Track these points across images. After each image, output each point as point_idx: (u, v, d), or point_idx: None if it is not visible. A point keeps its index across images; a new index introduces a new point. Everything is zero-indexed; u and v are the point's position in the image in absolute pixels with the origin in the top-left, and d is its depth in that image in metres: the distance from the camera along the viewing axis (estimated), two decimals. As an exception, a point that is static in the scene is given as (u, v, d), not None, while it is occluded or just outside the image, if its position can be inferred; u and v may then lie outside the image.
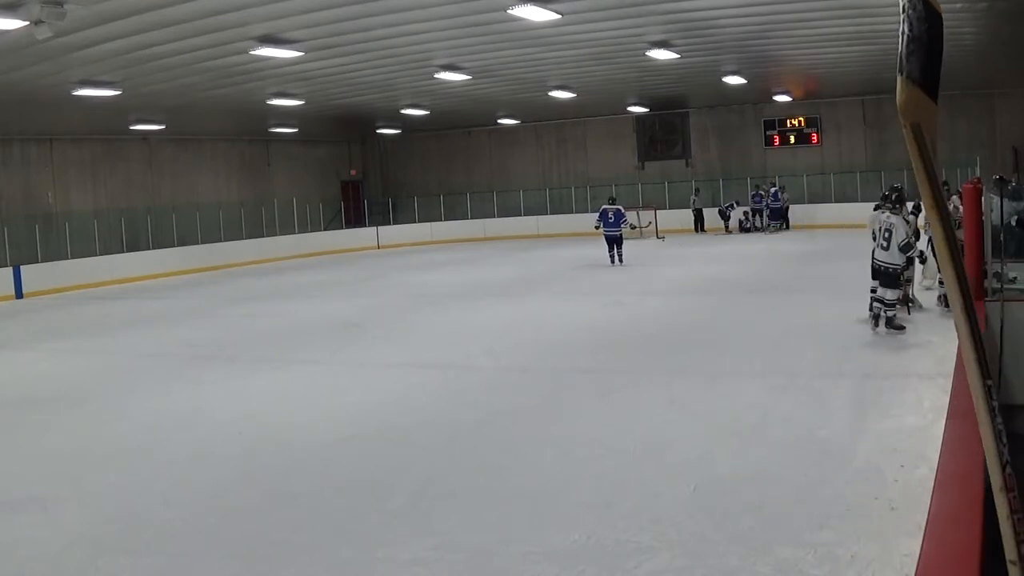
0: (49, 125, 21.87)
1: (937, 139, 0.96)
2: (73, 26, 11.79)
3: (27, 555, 4.96)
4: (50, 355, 11.98)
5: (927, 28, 0.94)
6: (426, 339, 11.58)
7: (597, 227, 20.00)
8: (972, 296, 0.99)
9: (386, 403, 8.09)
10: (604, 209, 20.09)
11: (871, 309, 10.64)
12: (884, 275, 9.95)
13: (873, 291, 10.80)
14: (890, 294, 9.94)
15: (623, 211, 20.32)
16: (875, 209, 11.18)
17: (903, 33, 0.96)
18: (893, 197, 10.44)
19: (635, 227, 23.31)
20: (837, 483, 5.31)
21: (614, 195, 22.64)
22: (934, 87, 0.95)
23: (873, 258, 10.19)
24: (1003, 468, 1.02)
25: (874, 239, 10.50)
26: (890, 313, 9.94)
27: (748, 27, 16.35)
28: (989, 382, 1.00)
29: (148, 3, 11.73)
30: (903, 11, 0.95)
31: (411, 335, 11.97)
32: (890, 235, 9.86)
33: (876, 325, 10.24)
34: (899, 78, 0.94)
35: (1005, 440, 1.02)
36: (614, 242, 19.75)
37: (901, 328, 9.87)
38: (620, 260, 19.69)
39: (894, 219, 9.95)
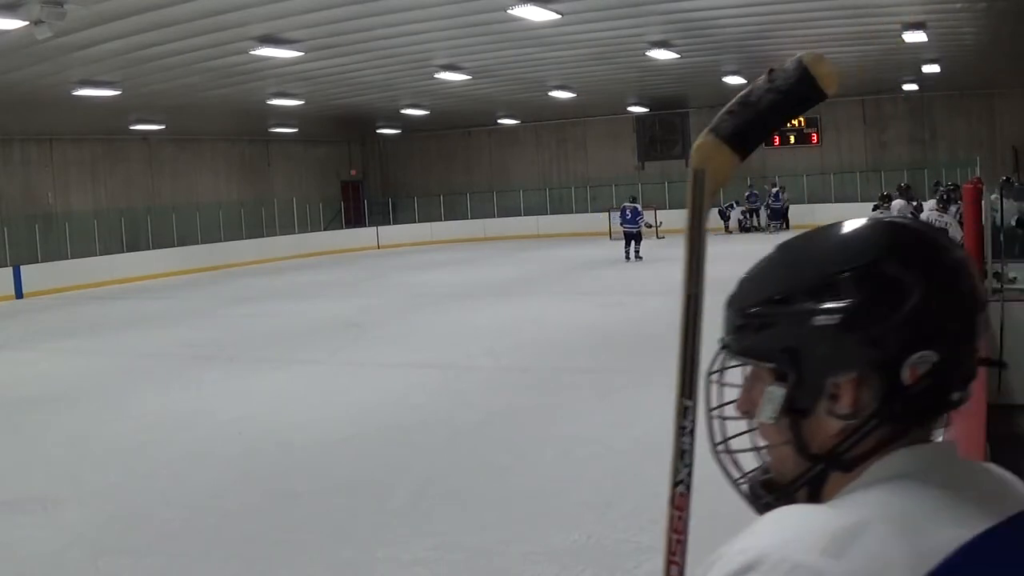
0: (49, 125, 21.87)
1: (720, 186, 1.05)
2: (73, 26, 11.79)
3: (27, 555, 4.96)
4: (50, 355, 11.98)
5: (772, 100, 0.99)
6: (426, 339, 11.58)
7: (621, 224, 20.99)
8: (696, 323, 1.03)
9: (386, 403, 8.09)
10: (623, 207, 21.05)
11: None
12: None
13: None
14: None
15: (640, 209, 21.16)
16: (874, 209, 11.21)
17: (740, 95, 1.01)
18: (946, 197, 10.66)
19: (650, 225, 23.54)
20: (837, 483, 5.31)
21: (635, 195, 23.52)
22: (743, 145, 1.01)
23: None
24: (675, 485, 1.03)
25: None
26: None
27: (748, 27, 16.35)
28: (688, 402, 1.04)
29: (148, 3, 11.73)
30: (766, 78, 1.00)
31: (411, 335, 11.96)
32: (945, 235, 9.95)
33: None
34: (706, 129, 1.01)
35: (689, 460, 1.01)
36: (631, 238, 20.46)
37: None
38: (638, 256, 20.30)
39: (947, 218, 10.09)
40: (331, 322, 13.41)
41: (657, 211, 27.53)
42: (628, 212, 20.62)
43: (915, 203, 12.22)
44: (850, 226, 0.91)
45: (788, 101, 0.99)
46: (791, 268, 0.90)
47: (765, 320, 0.89)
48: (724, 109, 1.02)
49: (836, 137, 28.58)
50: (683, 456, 1.03)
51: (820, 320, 0.85)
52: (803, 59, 0.98)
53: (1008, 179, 10.78)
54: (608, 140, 31.53)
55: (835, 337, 0.84)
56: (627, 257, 20.34)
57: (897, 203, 11.75)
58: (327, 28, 14.16)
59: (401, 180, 33.99)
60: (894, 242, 0.87)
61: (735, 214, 28.15)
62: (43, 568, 4.81)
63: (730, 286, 0.97)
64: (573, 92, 23.95)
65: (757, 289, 0.91)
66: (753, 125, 1.01)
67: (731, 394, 0.96)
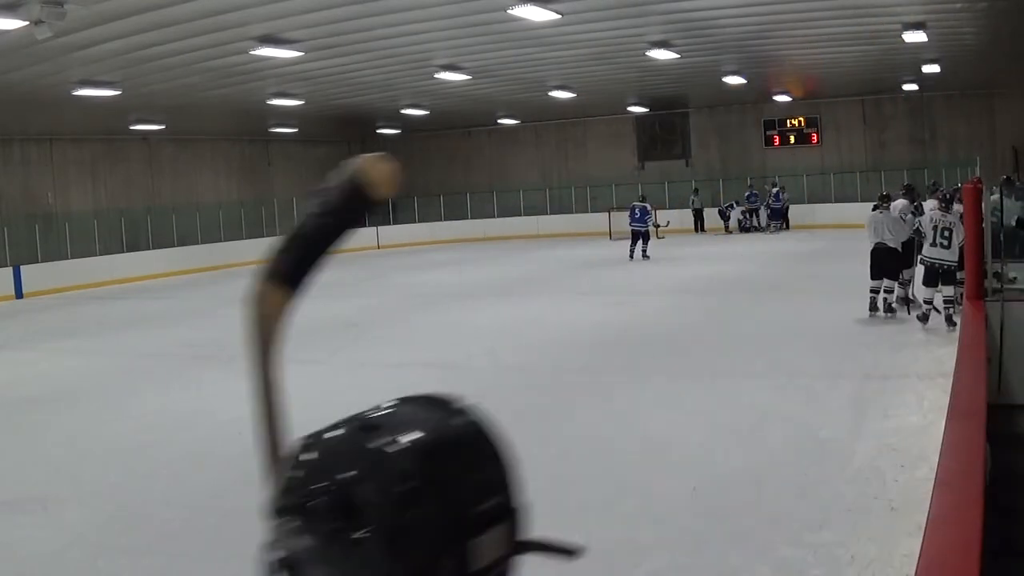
0: (49, 125, 21.87)
1: (284, 328, 0.96)
2: (73, 26, 11.79)
3: (27, 555, 4.96)
4: (50, 355, 11.98)
5: (320, 225, 0.94)
6: (426, 339, 11.58)
7: (630, 223, 21.16)
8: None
9: (386, 403, 8.07)
10: (632, 205, 21.29)
11: (873, 307, 10.80)
12: (945, 273, 10.03)
13: (875, 290, 10.87)
14: (948, 291, 10.04)
15: (649, 208, 21.33)
16: (873, 209, 11.19)
17: (293, 228, 0.96)
18: (948, 197, 10.71)
19: (657, 225, 23.63)
20: (837, 483, 5.31)
21: (643, 194, 23.64)
22: (297, 283, 0.96)
23: (927, 257, 10.25)
24: None
25: (879, 236, 10.85)
26: (952, 311, 10.00)
27: (748, 27, 16.35)
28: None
29: (148, 3, 11.74)
30: (315, 200, 0.94)
31: (411, 335, 11.96)
32: (950, 234, 10.01)
33: (895, 312, 10.87)
34: (261, 275, 0.96)
35: None
36: (639, 237, 20.66)
37: (955, 325, 9.82)
38: (645, 255, 20.47)
39: (951, 218, 10.09)
40: (331, 322, 13.39)
41: (657, 211, 27.61)
42: (637, 211, 20.79)
43: (916, 203, 12.19)
44: (340, 440, 0.82)
45: (337, 221, 0.94)
46: (286, 479, 0.82)
47: (270, 529, 0.83)
48: (278, 247, 0.97)
49: (836, 137, 28.57)
50: None
51: (288, 546, 0.78)
52: (350, 170, 0.92)
53: (1008, 179, 10.78)
54: (608, 140, 31.52)
55: (306, 567, 0.77)
56: (631, 256, 20.40)
57: (899, 202, 11.69)
58: (327, 28, 14.16)
59: (401, 180, 33.87)
60: (361, 470, 0.77)
61: (735, 214, 28.12)
62: (43, 568, 4.81)
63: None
64: (573, 92, 23.95)
65: (272, 495, 0.84)
66: (305, 259, 0.96)
67: None
